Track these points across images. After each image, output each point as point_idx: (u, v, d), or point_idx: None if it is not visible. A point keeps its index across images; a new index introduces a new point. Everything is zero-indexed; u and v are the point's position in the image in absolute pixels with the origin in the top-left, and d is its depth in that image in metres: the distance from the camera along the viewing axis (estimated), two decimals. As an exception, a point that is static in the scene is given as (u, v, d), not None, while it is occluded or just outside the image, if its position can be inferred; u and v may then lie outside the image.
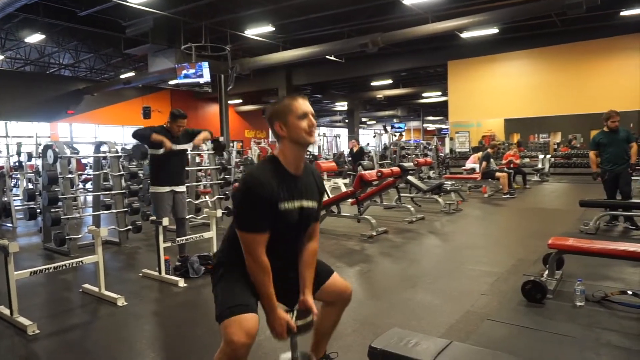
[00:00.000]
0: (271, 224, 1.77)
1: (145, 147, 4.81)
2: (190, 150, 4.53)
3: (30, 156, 8.50)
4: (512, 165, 10.70)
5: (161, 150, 4.35)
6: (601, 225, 5.76)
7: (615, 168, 5.78)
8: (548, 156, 13.86)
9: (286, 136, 1.81)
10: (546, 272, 3.53)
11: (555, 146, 16.38)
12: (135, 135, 4.44)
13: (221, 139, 6.32)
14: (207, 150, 7.34)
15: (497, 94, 17.18)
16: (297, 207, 1.82)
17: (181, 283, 3.98)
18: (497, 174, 9.60)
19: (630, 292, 3.16)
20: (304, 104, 1.82)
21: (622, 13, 12.54)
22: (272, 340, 2.75)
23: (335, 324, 2.13)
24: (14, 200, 8.06)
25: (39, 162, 6.51)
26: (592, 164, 6.05)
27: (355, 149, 13.98)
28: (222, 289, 1.84)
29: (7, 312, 3.17)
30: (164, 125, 4.45)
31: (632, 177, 6.34)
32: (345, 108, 27.88)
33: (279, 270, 1.86)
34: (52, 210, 5.16)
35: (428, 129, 39.27)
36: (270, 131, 1.87)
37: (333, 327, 2.14)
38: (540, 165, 13.18)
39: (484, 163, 9.77)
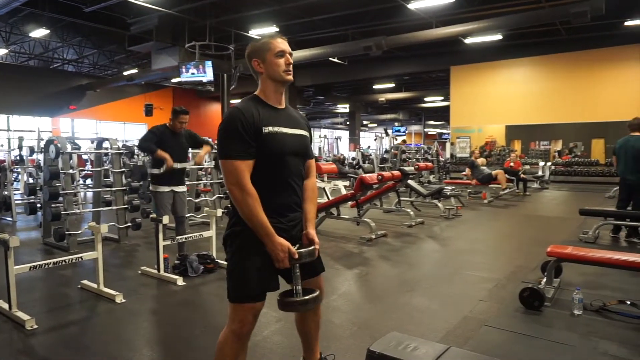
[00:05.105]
0: (256, 150, 1.78)
1: (145, 168, 5.57)
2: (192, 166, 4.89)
3: (32, 151, 8.50)
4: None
5: (162, 169, 4.38)
6: (603, 235, 5.70)
7: None
8: (548, 164, 13.89)
9: (264, 73, 1.87)
10: (544, 279, 3.53)
11: (556, 154, 16.41)
12: (141, 147, 4.57)
13: None
14: (207, 162, 7.45)
15: (499, 100, 17.20)
16: (280, 132, 1.84)
17: (180, 281, 3.98)
18: (494, 172, 9.82)
19: (628, 302, 3.17)
20: (282, 43, 1.87)
21: (627, 23, 12.57)
22: (272, 340, 2.79)
23: (317, 323, 2.11)
24: (15, 194, 8.07)
25: (41, 156, 6.51)
26: None
27: None
28: (239, 266, 1.84)
29: (5, 306, 3.17)
30: (167, 124, 4.48)
31: None
32: (347, 110, 27.94)
33: (288, 208, 1.90)
34: (53, 205, 5.16)
35: (429, 133, 39.31)
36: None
37: (317, 327, 2.12)
38: (540, 173, 13.21)
39: (467, 170, 10.08)
